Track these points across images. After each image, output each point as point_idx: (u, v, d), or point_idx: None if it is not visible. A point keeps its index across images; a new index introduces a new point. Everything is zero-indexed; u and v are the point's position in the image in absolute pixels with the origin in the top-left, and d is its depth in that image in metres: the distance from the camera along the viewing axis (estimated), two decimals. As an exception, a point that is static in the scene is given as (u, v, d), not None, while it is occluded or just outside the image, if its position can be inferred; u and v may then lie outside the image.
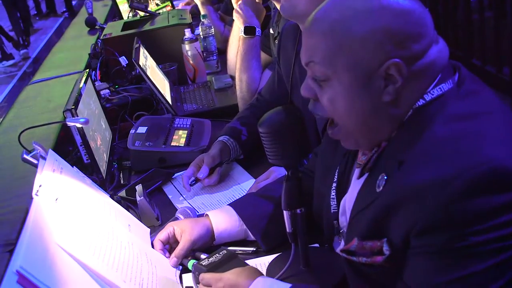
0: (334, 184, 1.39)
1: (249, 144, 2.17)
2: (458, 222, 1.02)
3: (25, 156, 1.51)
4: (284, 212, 1.40)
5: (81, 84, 2.11)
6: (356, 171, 1.32)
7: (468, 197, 1.01)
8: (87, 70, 2.32)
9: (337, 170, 1.40)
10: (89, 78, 2.29)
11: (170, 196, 2.02)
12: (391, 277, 1.16)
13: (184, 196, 2.00)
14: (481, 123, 1.10)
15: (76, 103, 1.91)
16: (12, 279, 1.03)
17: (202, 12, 3.49)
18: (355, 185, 1.31)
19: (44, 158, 1.48)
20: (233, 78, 2.84)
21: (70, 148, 2.20)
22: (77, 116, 1.86)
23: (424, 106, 1.15)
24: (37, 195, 1.30)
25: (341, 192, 1.37)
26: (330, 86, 1.18)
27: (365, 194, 1.23)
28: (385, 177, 1.16)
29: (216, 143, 2.11)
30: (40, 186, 1.32)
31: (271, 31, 2.69)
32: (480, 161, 1.02)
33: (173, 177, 2.13)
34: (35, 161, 1.50)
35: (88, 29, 4.08)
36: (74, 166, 1.64)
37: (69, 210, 1.36)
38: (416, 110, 1.15)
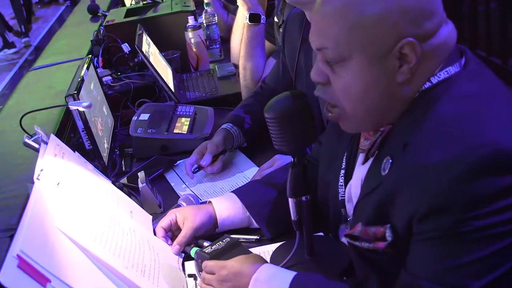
0: (343, 171, 1.37)
1: (252, 132, 2.14)
2: (461, 205, 1.01)
3: (26, 140, 1.49)
4: (290, 199, 1.37)
5: (83, 70, 2.08)
6: (360, 157, 1.30)
7: (471, 180, 1.00)
8: (89, 56, 2.30)
9: (345, 156, 1.38)
10: (92, 64, 2.26)
11: (172, 184, 2.00)
12: (395, 264, 1.14)
13: (186, 183, 1.98)
14: (484, 104, 1.09)
15: (79, 88, 1.88)
16: (13, 263, 1.01)
17: (206, 0, 3.46)
18: (360, 170, 1.30)
19: (46, 143, 1.46)
20: (236, 66, 2.81)
21: (71, 134, 2.19)
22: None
23: (430, 89, 1.14)
24: (38, 179, 1.27)
25: (348, 178, 1.35)
26: (345, 68, 1.16)
27: (370, 178, 1.22)
28: (390, 160, 1.15)
29: (219, 131, 2.09)
30: (41, 170, 1.30)
31: (276, 19, 2.66)
32: (483, 143, 1.01)
33: (175, 164, 2.11)
34: (36, 146, 1.48)
35: (91, 16, 4.04)
36: (75, 152, 1.62)
37: (70, 195, 1.34)
38: (423, 92, 1.14)
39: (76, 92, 1.84)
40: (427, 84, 1.14)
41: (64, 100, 1.85)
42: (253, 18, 2.44)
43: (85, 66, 2.13)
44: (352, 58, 1.14)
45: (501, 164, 1.00)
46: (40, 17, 12.38)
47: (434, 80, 1.13)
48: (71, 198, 1.33)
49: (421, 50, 1.11)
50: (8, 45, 9.97)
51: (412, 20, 1.10)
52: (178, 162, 2.11)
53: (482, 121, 1.05)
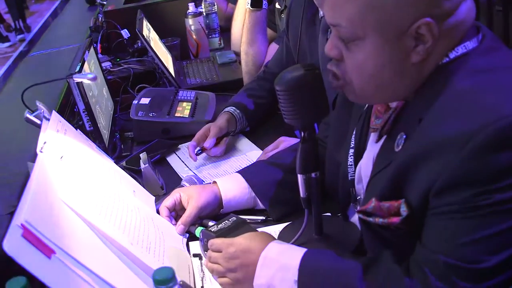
0: (352, 150, 1.34)
1: (256, 116, 2.12)
2: (481, 178, 0.98)
3: (28, 115, 1.46)
4: (299, 176, 1.34)
5: (84, 51, 2.04)
6: (372, 136, 1.27)
7: (491, 152, 0.97)
8: (90, 37, 2.26)
9: (353, 136, 1.35)
10: (92, 46, 2.22)
11: (174, 167, 1.96)
12: (409, 240, 1.11)
13: (189, 166, 1.94)
14: (502, 77, 1.06)
15: (81, 67, 1.85)
16: (17, 233, 0.98)
17: (205, -12, 3.42)
18: (371, 149, 1.27)
19: (48, 119, 1.43)
20: (237, 54, 2.78)
21: (70, 118, 2.14)
22: (81, 82, 1.81)
23: (447, 63, 1.10)
24: (41, 151, 1.24)
25: (358, 158, 1.32)
26: (359, 47, 1.12)
27: (383, 156, 1.19)
28: (404, 136, 1.12)
29: (223, 114, 2.06)
30: (44, 143, 1.27)
31: (277, 5, 2.64)
32: (503, 114, 0.97)
33: (177, 148, 2.07)
34: (38, 121, 1.45)
35: (88, 5, 4.00)
36: (78, 130, 1.58)
37: (74, 169, 1.30)
38: (439, 67, 1.11)
39: (78, 71, 1.81)
40: (445, 60, 1.11)
41: (66, 80, 1.81)
42: (255, 3, 2.41)
43: (86, 46, 2.09)
44: (366, 37, 1.11)
45: None
46: (35, 11, 12.30)
47: (452, 55, 1.10)
48: (75, 172, 1.29)
49: (438, 30, 1.07)
50: (1, 39, 9.89)
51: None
52: (180, 145, 2.08)
53: (501, 93, 1.02)
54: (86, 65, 1.96)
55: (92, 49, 2.21)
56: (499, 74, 1.06)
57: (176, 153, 2.05)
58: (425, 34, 1.07)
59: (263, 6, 2.43)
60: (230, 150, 2.01)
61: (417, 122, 1.09)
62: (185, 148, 2.03)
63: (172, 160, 2.01)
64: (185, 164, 1.96)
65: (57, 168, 1.23)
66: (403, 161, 1.09)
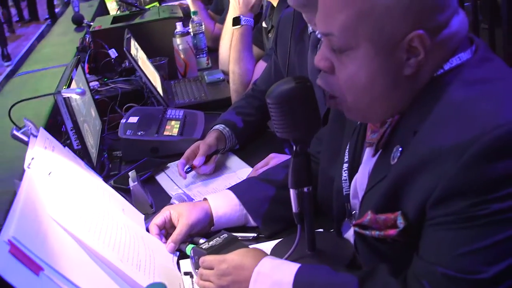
0: (346, 165, 1.33)
1: (245, 134, 2.10)
2: (478, 188, 0.96)
3: (15, 132, 1.44)
4: (291, 191, 1.32)
5: (72, 69, 2.02)
6: (368, 150, 1.26)
7: (488, 161, 0.96)
8: (78, 56, 2.24)
9: (346, 151, 1.33)
10: (80, 64, 2.21)
11: (163, 185, 1.94)
12: (405, 252, 1.10)
13: (178, 185, 1.92)
14: (497, 86, 1.05)
15: (69, 84, 1.83)
16: (4, 249, 0.95)
17: (192, 8, 3.43)
18: (367, 164, 1.25)
19: (35, 136, 1.41)
20: (225, 73, 2.78)
21: (58, 138, 2.11)
22: (69, 100, 1.79)
23: (442, 75, 1.10)
24: (29, 167, 1.22)
25: (353, 173, 1.31)
26: (350, 57, 1.12)
27: (379, 169, 1.18)
28: (400, 149, 1.11)
29: (212, 132, 2.04)
30: (32, 159, 1.24)
31: (264, 25, 2.64)
32: (499, 123, 0.97)
33: (166, 166, 2.05)
34: (25, 138, 1.42)
35: (75, 26, 3.98)
36: (66, 147, 1.56)
37: (63, 185, 1.28)
38: (434, 79, 1.11)
39: (66, 87, 1.79)
40: (440, 71, 1.10)
41: (53, 97, 1.79)
42: (234, 21, 2.44)
43: (73, 65, 2.08)
44: (358, 48, 1.10)
45: None
46: (21, 35, 12.28)
47: (447, 66, 1.10)
48: (63, 188, 1.27)
49: (430, 43, 1.07)
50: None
51: (424, 12, 1.07)
52: (169, 164, 2.06)
53: (496, 102, 1.01)
54: (74, 83, 1.94)
55: (80, 68, 2.19)
56: (493, 84, 1.06)
57: (165, 171, 2.03)
58: (417, 47, 1.07)
59: (242, 22, 2.43)
60: (220, 168, 1.99)
61: (413, 135, 1.08)
62: (174, 167, 2.01)
63: (161, 178, 1.99)
64: (174, 183, 1.94)
65: (45, 184, 1.21)
66: (399, 174, 1.08)
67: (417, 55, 1.08)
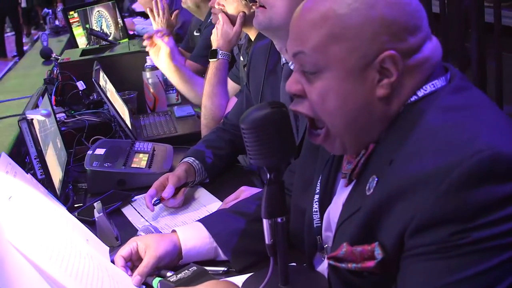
0: (317, 196, 1.29)
1: (215, 167, 2.06)
2: (458, 216, 0.93)
3: (-27, 155, 1.36)
4: (264, 221, 1.27)
5: (38, 98, 1.96)
6: (342, 182, 1.23)
7: (469, 188, 0.92)
8: (45, 86, 2.19)
9: (319, 181, 1.30)
10: (46, 93, 2.15)
11: (130, 218, 1.87)
12: (383, 287, 1.05)
13: (145, 217, 1.85)
14: (474, 113, 1.03)
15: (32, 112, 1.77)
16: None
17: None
18: (340, 194, 1.22)
19: (-4, 161, 1.34)
20: (196, 108, 2.75)
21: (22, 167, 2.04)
22: (33, 127, 1.73)
23: (416, 102, 1.08)
24: (-12, 191, 1.15)
25: (325, 204, 1.27)
26: (321, 79, 1.10)
27: (353, 200, 1.13)
28: (376, 179, 1.07)
29: (181, 164, 1.99)
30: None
31: (241, 58, 2.63)
32: (480, 148, 0.94)
33: (133, 200, 1.98)
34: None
35: (43, 60, 3.93)
36: (28, 173, 1.49)
37: (23, 211, 1.21)
38: (408, 106, 1.08)
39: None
40: (413, 97, 1.08)
41: (18, 126, 1.73)
42: (212, 54, 2.41)
43: (39, 94, 2.02)
44: (329, 69, 1.08)
45: (501, 170, 0.93)
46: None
47: (420, 93, 1.08)
48: (24, 214, 1.20)
49: (403, 64, 1.06)
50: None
51: (395, 33, 1.06)
52: (135, 197, 1.99)
53: (475, 128, 0.99)
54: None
55: (46, 97, 2.13)
56: (471, 110, 1.04)
57: (132, 204, 1.96)
58: (389, 68, 1.06)
59: (219, 56, 2.42)
60: (188, 202, 1.93)
61: (388, 164, 1.05)
62: (141, 200, 1.94)
63: (128, 211, 1.92)
64: (141, 215, 1.87)
65: (4, 208, 1.14)
66: (376, 204, 1.04)
67: (389, 76, 1.06)
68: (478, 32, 3.00)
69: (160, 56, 2.60)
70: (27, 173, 1.47)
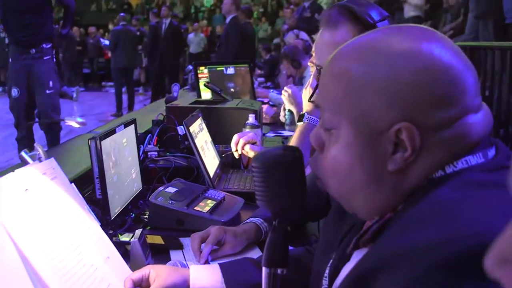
0: (331, 261, 1.22)
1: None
2: None
3: (22, 153, 1.45)
4: (263, 269, 1.22)
5: (119, 125, 2.07)
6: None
7: (454, 275, 0.81)
8: (134, 118, 2.30)
9: (339, 245, 1.23)
10: (134, 125, 2.26)
11: (172, 256, 1.87)
12: None
13: (186, 257, 1.85)
14: (497, 193, 0.88)
15: (105, 135, 1.87)
16: None
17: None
18: (353, 261, 1.14)
19: (41, 161, 1.41)
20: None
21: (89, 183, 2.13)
22: (100, 147, 1.82)
23: (442, 177, 0.97)
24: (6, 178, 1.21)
25: (338, 269, 1.20)
26: (335, 137, 1.04)
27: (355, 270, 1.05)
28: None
29: (246, 224, 1.94)
30: (13, 171, 1.24)
31: None
32: (481, 230, 0.82)
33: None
34: (30, 161, 1.44)
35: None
36: (72, 183, 1.55)
37: (36, 205, 1.25)
38: (431, 180, 0.98)
39: (100, 136, 1.83)
40: (439, 173, 0.97)
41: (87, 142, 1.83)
42: (299, 119, 2.43)
43: (124, 123, 2.13)
44: (341, 127, 1.02)
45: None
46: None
47: (449, 170, 0.97)
48: (35, 208, 1.24)
49: (420, 140, 0.95)
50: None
51: (418, 104, 0.95)
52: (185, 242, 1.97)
53: (487, 208, 0.87)
54: (118, 136, 1.98)
55: (133, 128, 2.23)
56: (494, 190, 0.90)
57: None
58: (405, 140, 0.96)
59: (305, 120, 2.40)
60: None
61: None
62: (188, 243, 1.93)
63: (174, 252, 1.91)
64: (183, 253, 1.87)
65: (15, 196, 1.19)
66: (358, 275, 0.98)
67: (404, 150, 0.97)
68: None
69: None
70: (71, 182, 1.53)
